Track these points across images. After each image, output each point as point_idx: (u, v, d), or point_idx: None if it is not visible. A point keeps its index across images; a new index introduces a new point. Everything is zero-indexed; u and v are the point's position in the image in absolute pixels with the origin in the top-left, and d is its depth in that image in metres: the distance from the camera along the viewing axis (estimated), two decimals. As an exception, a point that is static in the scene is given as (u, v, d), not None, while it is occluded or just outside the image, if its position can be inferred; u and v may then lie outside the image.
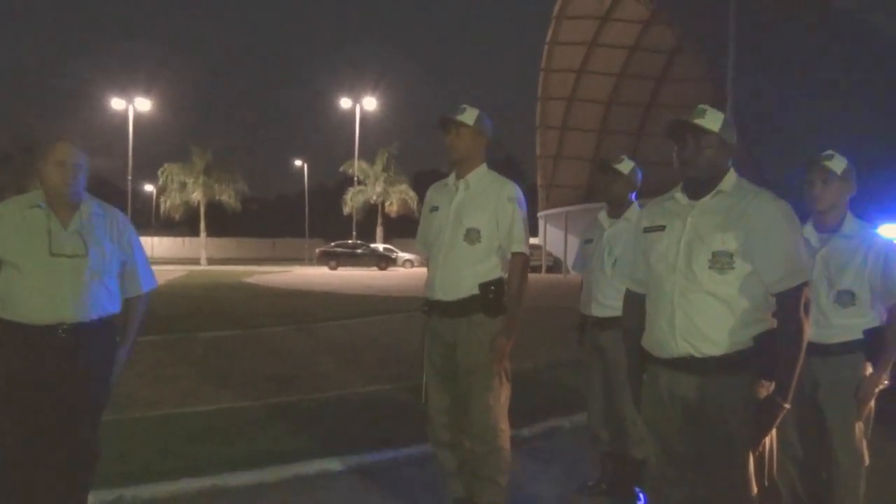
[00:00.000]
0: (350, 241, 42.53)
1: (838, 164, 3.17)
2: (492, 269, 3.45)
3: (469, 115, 3.47)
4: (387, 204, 47.36)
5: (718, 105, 2.62)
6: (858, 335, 3.12)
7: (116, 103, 43.98)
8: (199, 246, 47.65)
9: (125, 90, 47.03)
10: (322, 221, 59.80)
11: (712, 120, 2.49)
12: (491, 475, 3.45)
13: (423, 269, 3.90)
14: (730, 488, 2.43)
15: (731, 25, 14.63)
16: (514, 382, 3.56)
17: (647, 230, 2.65)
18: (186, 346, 9.47)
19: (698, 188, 2.53)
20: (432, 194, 3.70)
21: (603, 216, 4.13)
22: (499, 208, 3.44)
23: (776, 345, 2.41)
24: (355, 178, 47.43)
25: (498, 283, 3.45)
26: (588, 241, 4.21)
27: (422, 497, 3.96)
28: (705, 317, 2.42)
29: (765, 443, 2.46)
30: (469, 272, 3.42)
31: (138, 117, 44.24)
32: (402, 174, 48.01)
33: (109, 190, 42.60)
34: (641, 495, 3.95)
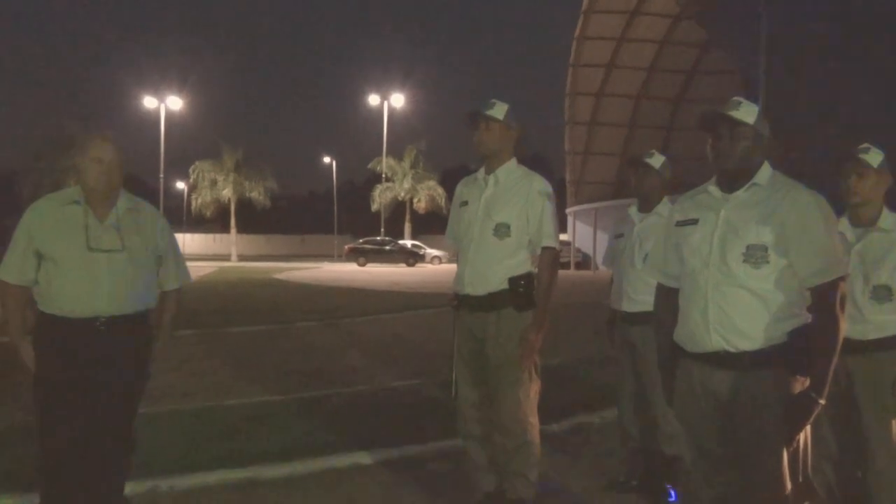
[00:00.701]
0: (378, 238, 42.75)
1: (875, 157, 3.11)
2: (521, 264, 3.45)
3: (499, 110, 3.47)
4: (415, 200, 47.55)
5: (750, 99, 2.59)
6: (895, 331, 3.07)
7: (148, 102, 44.59)
8: (230, 242, 48.29)
9: (156, 89, 47.62)
10: (350, 218, 60.17)
11: (747, 112, 2.47)
12: (520, 469, 3.46)
13: (452, 266, 3.91)
14: (763, 485, 2.41)
15: (762, 23, 14.38)
16: (542, 378, 3.55)
17: (679, 224, 2.63)
18: (218, 341, 9.61)
19: (732, 181, 2.51)
20: (462, 189, 3.70)
21: (633, 211, 4.10)
22: (529, 203, 3.44)
23: (811, 340, 2.38)
24: (383, 175, 47.64)
25: (527, 277, 3.44)
26: (619, 236, 4.19)
27: (451, 491, 3.97)
28: (739, 311, 2.40)
29: (799, 439, 2.43)
30: (499, 267, 3.42)
31: (170, 115, 44.84)
32: (430, 171, 48.21)
33: (142, 187, 43.27)
34: (672, 492, 3.93)
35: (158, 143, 43.31)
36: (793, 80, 18.81)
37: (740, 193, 2.49)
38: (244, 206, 48.05)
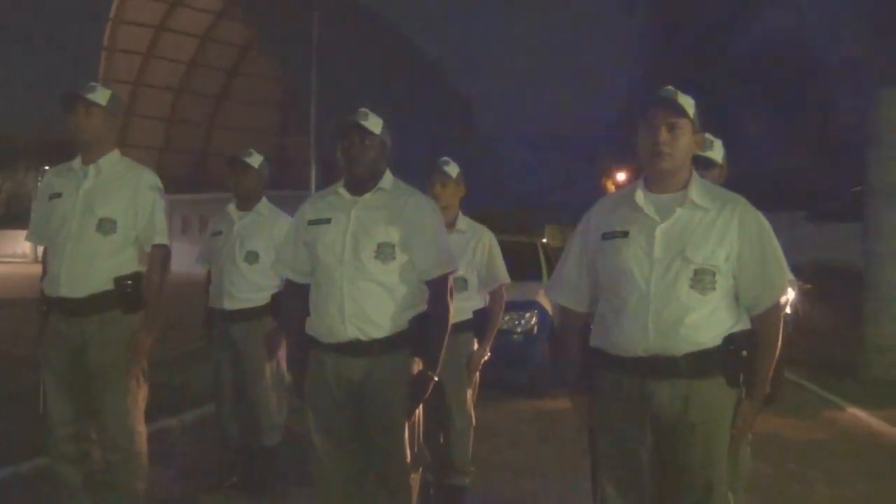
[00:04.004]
0: None
1: (453, 168, 3.68)
2: (129, 262, 3.19)
3: (101, 95, 3.16)
4: None
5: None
6: (469, 316, 3.67)
7: None
8: None
9: None
10: None
11: (374, 123, 2.72)
12: (128, 483, 3.19)
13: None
14: (390, 456, 2.69)
15: (313, 50, 14.95)
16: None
17: (312, 223, 2.77)
18: None
19: (361, 185, 2.74)
20: (52, 179, 3.27)
21: (232, 209, 4.09)
22: (138, 197, 3.20)
23: (426, 326, 2.73)
24: None
25: (135, 276, 3.20)
26: (216, 234, 4.13)
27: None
28: (372, 303, 2.63)
29: (417, 413, 2.77)
30: (102, 265, 3.11)
31: None
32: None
33: None
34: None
35: None
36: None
37: (368, 196, 2.73)
38: None
